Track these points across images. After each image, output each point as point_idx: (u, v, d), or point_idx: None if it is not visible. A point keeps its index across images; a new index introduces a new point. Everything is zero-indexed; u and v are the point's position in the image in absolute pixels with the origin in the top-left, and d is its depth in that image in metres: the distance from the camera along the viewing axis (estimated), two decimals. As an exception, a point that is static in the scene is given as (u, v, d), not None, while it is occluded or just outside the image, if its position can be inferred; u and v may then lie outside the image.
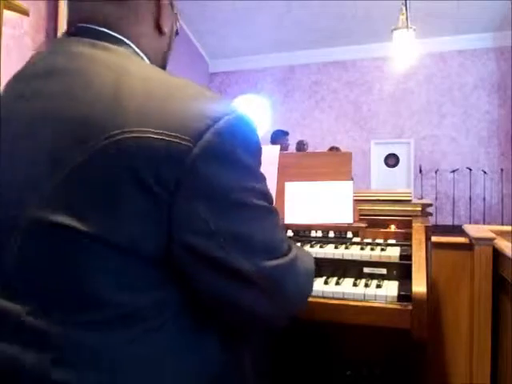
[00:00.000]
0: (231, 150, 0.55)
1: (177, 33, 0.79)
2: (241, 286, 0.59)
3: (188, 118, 0.53)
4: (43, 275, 0.53)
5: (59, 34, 4.29)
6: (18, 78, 0.65)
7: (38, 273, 0.53)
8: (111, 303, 0.52)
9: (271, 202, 0.63)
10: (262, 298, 0.61)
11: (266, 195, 0.61)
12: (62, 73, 0.59)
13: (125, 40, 0.66)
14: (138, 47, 0.68)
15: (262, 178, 0.61)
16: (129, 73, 0.58)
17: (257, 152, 0.60)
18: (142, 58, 0.68)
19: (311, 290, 0.74)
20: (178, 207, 0.52)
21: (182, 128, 0.52)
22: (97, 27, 0.64)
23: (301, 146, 5.57)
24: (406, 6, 5.32)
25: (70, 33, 0.66)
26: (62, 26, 4.24)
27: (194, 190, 0.52)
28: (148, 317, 0.54)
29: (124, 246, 0.51)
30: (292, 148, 5.66)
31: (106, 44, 0.63)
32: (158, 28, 0.71)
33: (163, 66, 0.76)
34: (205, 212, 0.53)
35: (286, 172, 1.44)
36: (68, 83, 0.58)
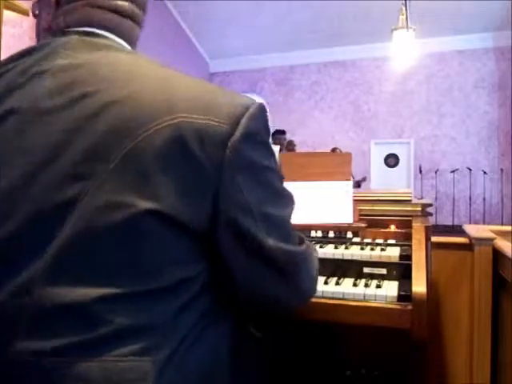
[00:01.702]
0: (261, 132, 0.63)
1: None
2: (261, 263, 0.64)
3: (226, 107, 0.60)
4: (99, 252, 0.54)
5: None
6: (36, 71, 0.63)
7: (89, 252, 0.54)
8: (162, 274, 0.56)
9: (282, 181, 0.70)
10: (278, 280, 0.66)
11: (282, 176, 0.69)
12: (93, 67, 0.62)
13: (125, 45, 0.70)
14: (132, 48, 0.72)
15: (276, 157, 0.69)
16: (162, 70, 0.64)
17: (270, 133, 0.68)
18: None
19: (317, 284, 0.79)
20: (223, 180, 0.58)
21: (223, 114, 0.59)
22: (101, 31, 0.67)
23: (289, 146, 5.62)
24: (405, 5, 5.32)
25: (67, 35, 0.66)
26: (62, 26, 4.24)
27: (237, 166, 0.59)
28: (187, 289, 0.59)
29: (177, 218, 0.56)
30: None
31: (119, 48, 0.67)
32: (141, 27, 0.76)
33: None
34: (243, 185, 0.60)
35: (287, 172, 1.43)
36: (110, 75, 0.61)
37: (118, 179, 0.54)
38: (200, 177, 0.57)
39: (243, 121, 0.59)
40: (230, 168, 0.58)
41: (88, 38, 0.65)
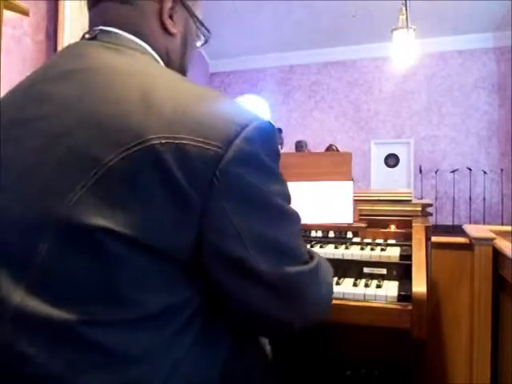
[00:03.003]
0: (259, 156, 0.56)
1: (206, 41, 0.80)
2: (259, 289, 0.59)
3: (218, 125, 0.54)
4: (73, 277, 0.51)
5: (59, 34, 4.29)
6: (35, 81, 0.63)
7: (67, 276, 0.51)
8: (144, 302, 0.53)
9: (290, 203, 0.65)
10: (280, 305, 0.61)
11: (288, 197, 0.63)
12: (83, 75, 0.59)
13: (138, 41, 0.67)
14: (151, 47, 0.69)
15: (284, 182, 0.63)
16: (154, 78, 0.59)
17: (278, 157, 0.62)
18: (157, 60, 0.69)
19: (331, 300, 0.74)
20: (209, 208, 0.53)
21: (213, 134, 0.53)
22: (111, 29, 0.66)
23: (299, 146, 5.58)
24: (405, 5, 5.32)
25: (85, 37, 0.67)
26: (63, 26, 4.23)
27: (225, 193, 0.53)
28: (174, 316, 0.55)
29: (156, 247, 0.52)
30: (291, 148, 5.69)
31: (123, 48, 0.64)
32: (164, 28, 0.71)
33: (181, 72, 0.75)
34: (232, 213, 0.54)
35: (286, 172, 1.43)
36: (89, 85, 0.58)
37: (93, 202, 0.51)
38: (183, 205, 0.52)
39: (237, 142, 0.53)
40: (217, 196, 0.53)
41: (81, 42, 0.65)
